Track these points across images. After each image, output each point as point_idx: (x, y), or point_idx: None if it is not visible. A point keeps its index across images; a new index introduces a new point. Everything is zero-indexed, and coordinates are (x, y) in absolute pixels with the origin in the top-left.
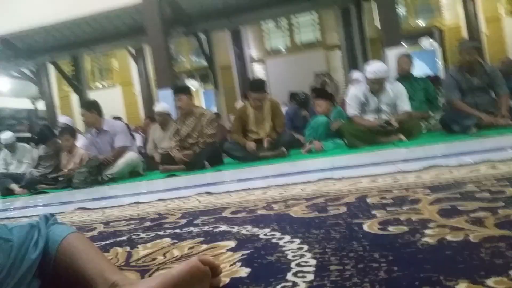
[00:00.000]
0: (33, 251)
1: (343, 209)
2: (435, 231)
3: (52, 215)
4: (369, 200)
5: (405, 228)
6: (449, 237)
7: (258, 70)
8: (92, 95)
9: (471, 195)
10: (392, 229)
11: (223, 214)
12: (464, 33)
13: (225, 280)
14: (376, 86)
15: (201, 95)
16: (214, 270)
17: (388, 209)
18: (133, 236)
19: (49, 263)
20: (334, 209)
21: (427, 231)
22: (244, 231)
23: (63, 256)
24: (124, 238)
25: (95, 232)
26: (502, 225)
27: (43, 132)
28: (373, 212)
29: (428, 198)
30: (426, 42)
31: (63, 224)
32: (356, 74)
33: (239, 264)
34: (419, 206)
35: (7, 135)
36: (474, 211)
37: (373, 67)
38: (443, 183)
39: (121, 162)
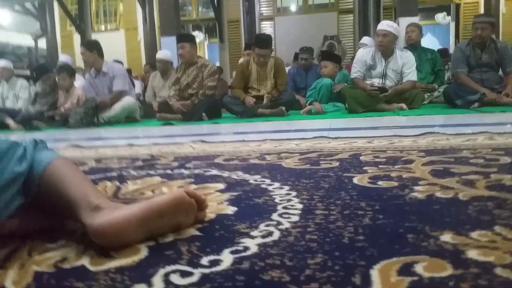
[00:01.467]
0: (18, 164)
1: (335, 164)
2: (425, 188)
3: (42, 141)
4: (362, 158)
5: (395, 184)
6: (438, 194)
7: (266, 28)
8: (94, 37)
9: (465, 160)
10: (381, 183)
11: (216, 161)
12: (481, 10)
13: (211, 215)
14: (380, 39)
15: (205, 48)
16: (200, 204)
17: (380, 166)
18: (124, 173)
19: (33, 184)
20: (326, 163)
21: (417, 188)
22: (234, 176)
23: (48, 178)
24: (114, 174)
25: (85, 167)
26: (492, 187)
27: (41, 67)
28: (365, 168)
29: (421, 159)
30: (441, 17)
31: (52, 150)
32: (365, 39)
33: (226, 203)
34: (412, 166)
35: (4, 63)
36: (466, 174)
37: (384, 22)
38: (438, 148)
39: (118, 106)
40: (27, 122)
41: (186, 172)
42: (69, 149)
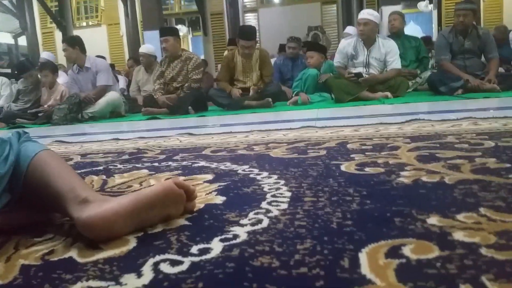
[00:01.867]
0: (3, 165)
1: (323, 152)
2: (411, 173)
3: (25, 132)
4: (349, 146)
5: (382, 170)
6: (424, 179)
7: (250, 20)
8: (76, 33)
9: (450, 145)
10: (368, 169)
11: (203, 152)
12: None
13: (200, 205)
14: (362, 27)
15: (189, 42)
16: (189, 194)
17: (367, 153)
18: (110, 167)
19: (20, 179)
20: (313, 152)
21: (403, 173)
22: (222, 167)
23: (34, 172)
24: (100, 168)
25: (71, 162)
26: (477, 171)
27: (23, 63)
28: (352, 155)
29: (407, 146)
30: (423, 5)
31: (36, 142)
32: (349, 29)
33: (215, 193)
34: (398, 152)
35: None
36: (451, 159)
37: (364, 10)
38: (423, 134)
39: (102, 101)
40: (10, 119)
41: (173, 164)
42: (54, 145)
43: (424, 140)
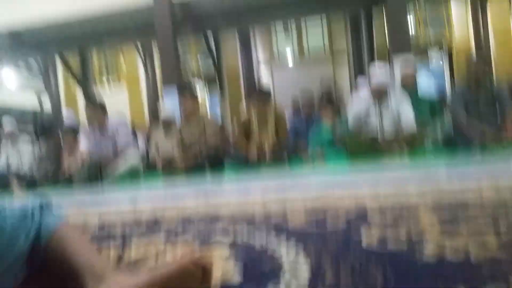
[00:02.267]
0: (24, 241)
1: (342, 221)
2: (434, 246)
3: (47, 201)
4: (369, 214)
5: (404, 242)
6: (448, 254)
7: (264, 75)
8: (97, 92)
9: (473, 217)
10: (390, 243)
11: (219, 221)
12: (473, 48)
13: (216, 282)
14: (378, 94)
15: (206, 97)
16: (206, 273)
17: (388, 222)
18: (127, 238)
19: (40, 252)
20: (332, 221)
21: (426, 246)
22: (239, 238)
23: (54, 246)
24: (117, 239)
25: (89, 233)
26: (504, 247)
27: (45, 128)
28: (372, 225)
29: (429, 217)
30: (434, 56)
31: (58, 213)
32: (361, 80)
33: (231, 269)
34: (419, 220)
35: (10, 126)
36: (476, 229)
37: (376, 77)
38: (445, 200)
39: (121, 162)
40: (31, 183)
41: (189, 236)
42: (73, 212)
43: (446, 211)
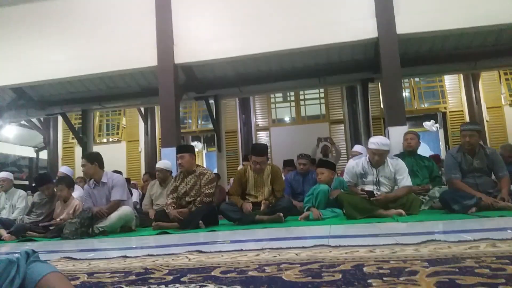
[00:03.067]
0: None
1: (338, 276)
2: None
3: (34, 251)
4: (365, 269)
5: None
6: None
7: (262, 137)
8: (96, 149)
9: (470, 270)
10: None
11: (212, 273)
12: (466, 117)
13: None
14: (377, 157)
15: (204, 157)
16: None
17: (385, 278)
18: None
19: None
20: (328, 275)
21: None
22: None
23: None
24: None
25: (77, 282)
26: None
27: (41, 176)
28: (369, 281)
29: (425, 270)
30: (429, 124)
31: (45, 262)
32: (357, 147)
33: None
34: (417, 277)
35: (5, 174)
36: (473, 286)
37: (376, 139)
38: (441, 257)
39: (114, 216)
40: (20, 232)
41: (181, 287)
42: (62, 262)
43: (442, 264)
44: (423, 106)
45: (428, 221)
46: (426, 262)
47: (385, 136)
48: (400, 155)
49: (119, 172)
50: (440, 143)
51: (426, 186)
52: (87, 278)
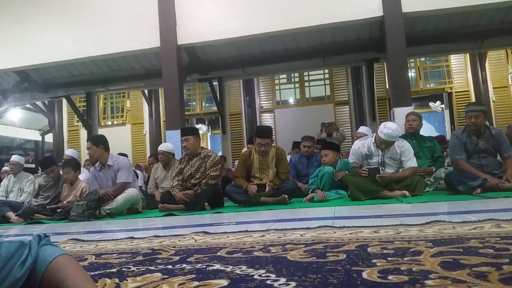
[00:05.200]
0: (20, 269)
1: (343, 256)
2: (436, 282)
3: (46, 235)
4: (369, 249)
5: (405, 278)
6: None
7: (266, 119)
8: (101, 131)
9: (474, 250)
10: (391, 278)
11: (218, 254)
12: (472, 97)
13: None
14: (383, 146)
15: (208, 139)
16: None
17: (389, 258)
18: (124, 269)
19: (36, 282)
20: (333, 256)
21: (428, 282)
22: (238, 271)
23: (50, 276)
24: (114, 270)
25: (85, 263)
26: (506, 281)
27: (46, 159)
28: (373, 261)
29: (430, 250)
30: (435, 105)
31: (55, 246)
32: (362, 129)
33: None
34: (421, 257)
35: (16, 158)
36: (477, 265)
37: (388, 130)
38: (445, 238)
39: (120, 198)
40: (28, 215)
41: (187, 267)
42: (69, 243)
43: (446, 244)
44: (428, 86)
45: (432, 202)
46: (430, 243)
47: (390, 118)
48: (402, 137)
49: (125, 155)
50: (446, 124)
51: (429, 169)
52: (95, 259)
